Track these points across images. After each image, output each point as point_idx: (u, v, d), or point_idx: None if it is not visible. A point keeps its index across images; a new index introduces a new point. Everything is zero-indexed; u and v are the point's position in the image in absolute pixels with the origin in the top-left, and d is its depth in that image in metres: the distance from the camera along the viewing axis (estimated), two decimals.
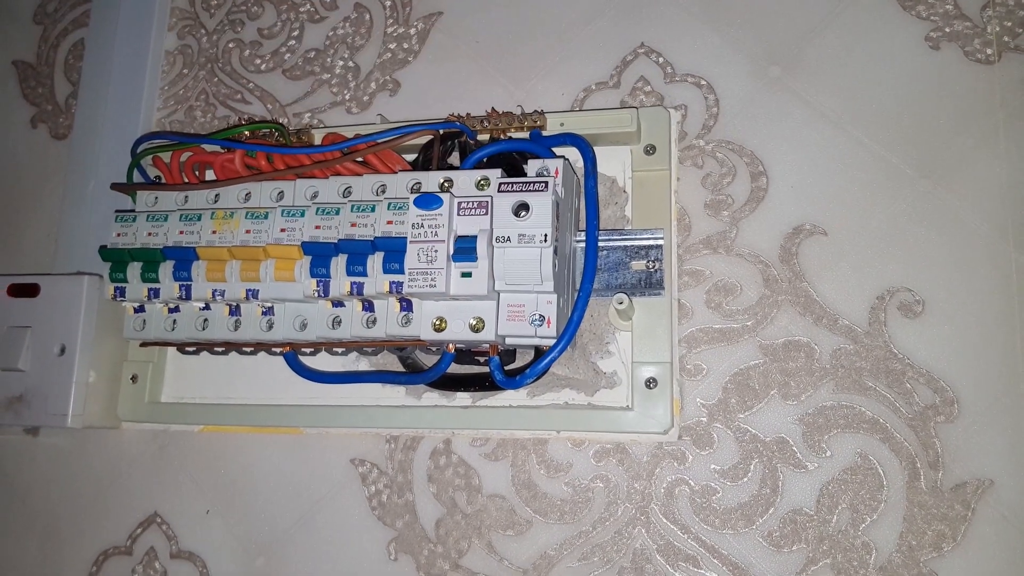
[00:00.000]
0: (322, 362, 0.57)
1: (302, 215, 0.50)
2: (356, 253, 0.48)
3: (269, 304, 0.51)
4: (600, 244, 0.51)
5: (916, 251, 0.50)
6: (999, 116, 0.51)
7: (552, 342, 0.47)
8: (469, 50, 0.62)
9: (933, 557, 0.46)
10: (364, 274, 0.48)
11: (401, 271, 0.46)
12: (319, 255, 0.49)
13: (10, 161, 0.72)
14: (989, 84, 0.51)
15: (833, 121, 0.53)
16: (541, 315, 0.46)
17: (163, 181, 0.58)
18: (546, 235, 0.45)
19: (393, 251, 0.47)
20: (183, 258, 0.51)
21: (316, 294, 0.49)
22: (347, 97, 0.64)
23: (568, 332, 0.47)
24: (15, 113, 0.74)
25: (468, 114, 0.55)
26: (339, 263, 0.48)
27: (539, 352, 0.50)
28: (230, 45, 0.69)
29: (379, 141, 0.52)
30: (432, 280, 0.45)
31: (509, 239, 0.45)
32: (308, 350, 0.55)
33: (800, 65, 0.55)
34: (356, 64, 0.65)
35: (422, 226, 0.46)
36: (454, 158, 0.55)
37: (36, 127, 0.72)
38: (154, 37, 0.69)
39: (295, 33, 0.67)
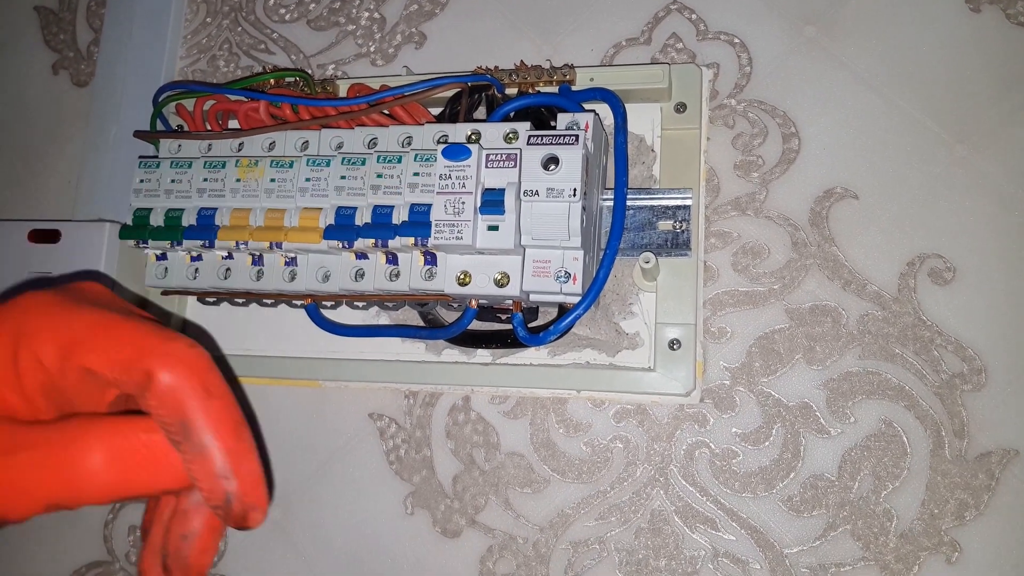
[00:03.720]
0: (342, 315, 0.56)
1: (328, 164, 0.49)
2: (382, 226, 0.47)
3: (292, 255, 0.51)
4: (627, 203, 0.51)
5: (949, 217, 0.49)
6: None
7: (577, 300, 0.46)
8: (497, 3, 0.61)
9: (955, 526, 0.46)
10: None
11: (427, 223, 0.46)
12: (344, 216, 0.48)
13: (32, 107, 0.71)
14: None
15: (868, 83, 0.52)
16: (567, 271, 0.46)
17: (186, 129, 0.57)
18: (575, 189, 0.44)
19: (420, 217, 0.46)
20: (207, 225, 0.51)
21: (340, 245, 0.48)
22: (372, 49, 0.63)
23: (594, 290, 0.47)
24: (37, 59, 0.73)
25: (496, 67, 0.54)
26: (364, 214, 0.48)
27: (562, 310, 0.49)
28: None
29: (408, 93, 0.51)
30: (459, 232, 0.44)
31: (537, 193, 0.45)
32: (329, 303, 0.55)
33: (836, 25, 0.54)
34: (382, 15, 0.64)
35: (450, 177, 0.45)
36: (479, 113, 0.55)
37: (57, 74, 0.72)
38: None
39: None
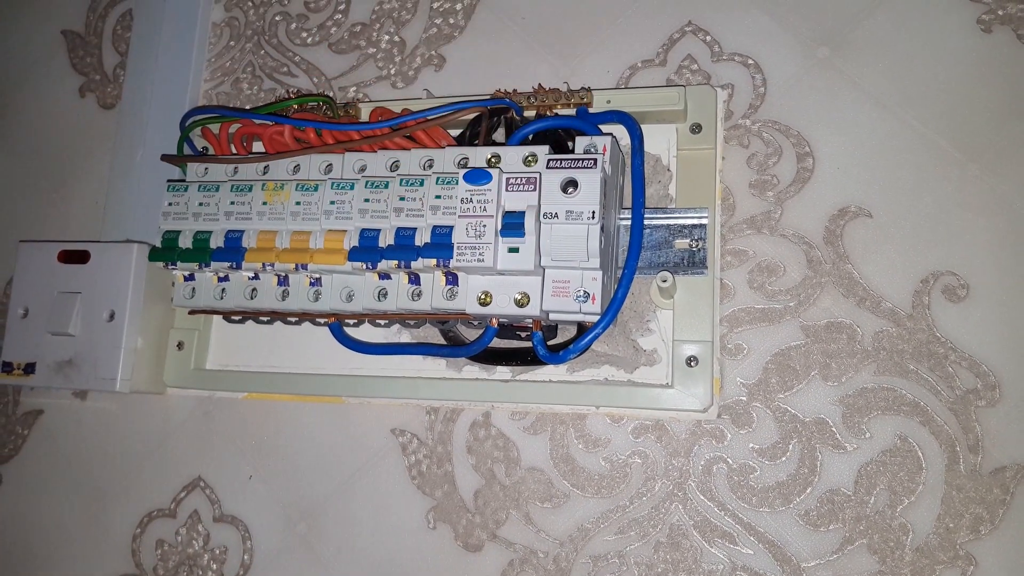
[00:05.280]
0: (365, 334, 0.58)
1: (352, 188, 0.50)
2: (405, 248, 0.49)
3: (317, 275, 0.52)
4: (644, 223, 0.52)
5: (962, 235, 0.50)
6: None
7: (596, 319, 0.47)
8: (515, 26, 0.62)
9: (970, 539, 0.47)
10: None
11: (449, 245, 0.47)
12: (368, 238, 0.49)
13: (59, 130, 0.73)
14: None
15: (881, 103, 0.53)
16: (586, 292, 0.47)
17: (211, 152, 0.59)
18: (594, 212, 0.45)
19: (442, 239, 0.48)
20: (234, 247, 0.52)
21: (364, 266, 0.49)
22: (392, 72, 0.64)
23: (612, 309, 0.48)
24: (64, 82, 0.75)
25: (515, 90, 0.55)
26: (387, 236, 0.49)
27: (582, 328, 0.50)
28: (277, 18, 0.69)
29: (431, 117, 0.52)
30: (480, 255, 0.46)
31: (557, 215, 0.46)
32: (352, 321, 0.56)
33: (849, 46, 0.54)
34: (402, 39, 0.65)
35: (471, 201, 0.46)
36: (499, 135, 0.56)
37: (84, 96, 0.73)
38: (201, 9, 0.70)
39: (341, 7, 0.67)
